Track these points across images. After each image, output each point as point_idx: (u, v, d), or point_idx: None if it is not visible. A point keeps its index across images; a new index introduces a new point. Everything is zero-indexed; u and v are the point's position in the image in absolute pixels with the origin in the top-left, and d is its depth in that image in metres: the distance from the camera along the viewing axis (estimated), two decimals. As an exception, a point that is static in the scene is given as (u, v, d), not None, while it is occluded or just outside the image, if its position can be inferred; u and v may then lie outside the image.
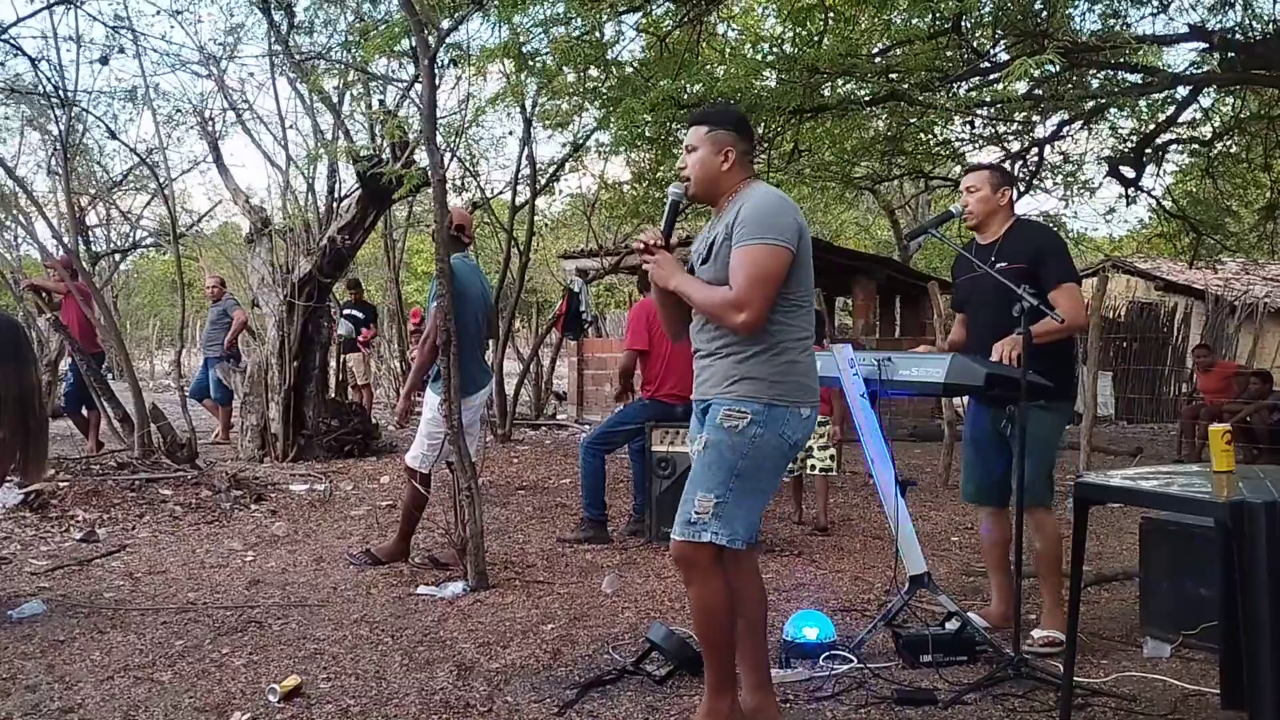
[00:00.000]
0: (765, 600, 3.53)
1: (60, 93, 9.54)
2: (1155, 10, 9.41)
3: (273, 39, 9.97)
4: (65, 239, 10.28)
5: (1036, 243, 4.43)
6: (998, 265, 4.39)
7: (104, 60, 9.98)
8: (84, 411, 10.43)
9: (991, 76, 9.61)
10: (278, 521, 7.17)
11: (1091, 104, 9.92)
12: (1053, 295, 4.29)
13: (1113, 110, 10.47)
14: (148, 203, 16.52)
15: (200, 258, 20.45)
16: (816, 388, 3.34)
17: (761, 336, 3.20)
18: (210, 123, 10.77)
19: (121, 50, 10.01)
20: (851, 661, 4.10)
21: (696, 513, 3.20)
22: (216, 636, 4.54)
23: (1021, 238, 4.47)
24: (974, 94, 10.05)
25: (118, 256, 17.05)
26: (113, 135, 11.90)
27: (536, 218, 13.29)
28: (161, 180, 11.48)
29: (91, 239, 14.24)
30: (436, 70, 5.99)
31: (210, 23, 29.73)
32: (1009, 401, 4.21)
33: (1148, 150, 11.63)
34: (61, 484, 7.49)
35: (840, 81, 9.56)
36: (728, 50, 10.73)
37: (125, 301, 27.69)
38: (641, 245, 3.46)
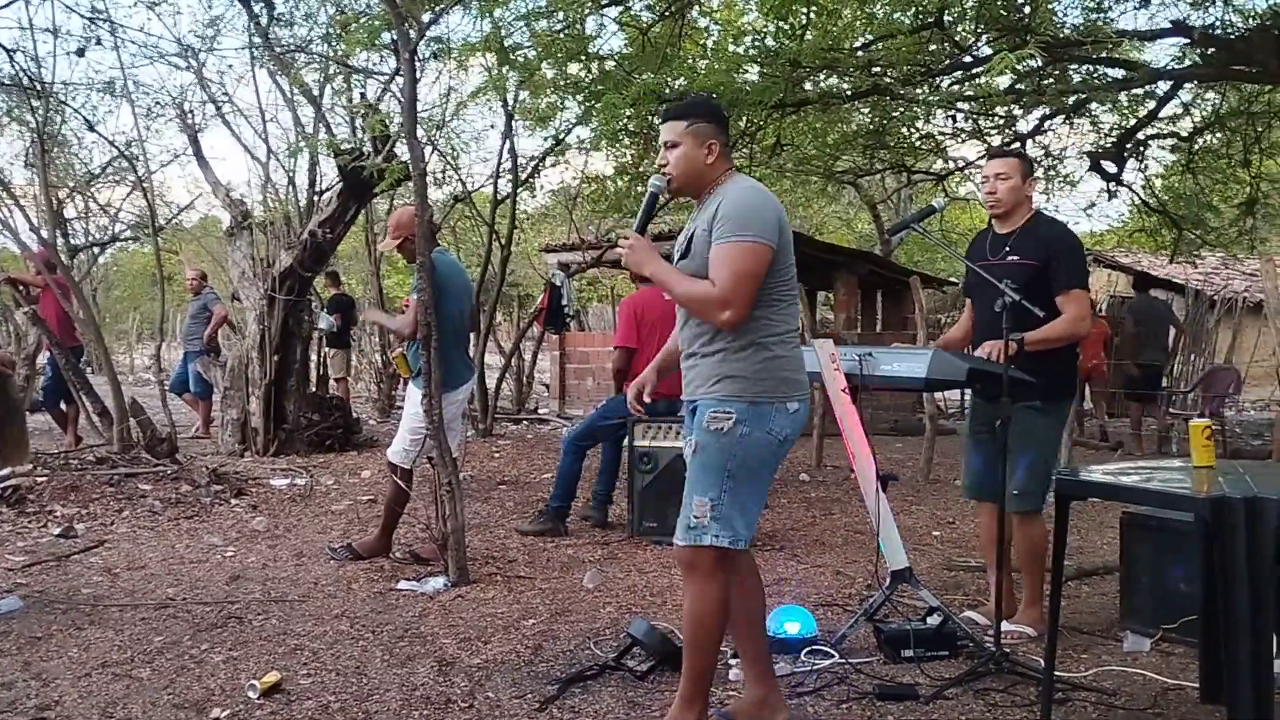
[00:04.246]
0: (763, 595, 3.54)
1: (37, 84, 9.45)
2: (1137, 5, 9.44)
3: (252, 31, 9.90)
4: (43, 232, 10.20)
5: (1052, 242, 4.37)
6: (1010, 257, 4.38)
7: (81, 52, 9.87)
8: (62, 406, 10.36)
9: (974, 71, 9.63)
10: (258, 516, 7.14)
11: (1073, 98, 9.94)
12: (1060, 300, 4.27)
13: (1094, 105, 10.50)
14: (127, 195, 16.42)
15: (180, 251, 20.34)
16: (804, 380, 3.33)
17: (743, 333, 3.20)
18: (190, 115, 10.69)
19: (99, 42, 9.91)
20: (833, 656, 4.10)
21: (695, 517, 3.20)
22: (196, 632, 4.52)
23: (1039, 234, 4.41)
24: (956, 88, 10.06)
25: (96, 249, 16.91)
26: (91, 127, 11.79)
27: (518, 210, 13.24)
28: (141, 173, 11.40)
29: (70, 232, 14.12)
30: (417, 64, 5.95)
31: (189, 14, 29.56)
32: (999, 398, 4.19)
33: (1129, 145, 11.67)
34: (39, 479, 7.44)
35: (822, 75, 9.56)
36: (709, 44, 10.72)
37: (105, 295, 27.51)
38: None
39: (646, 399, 3.74)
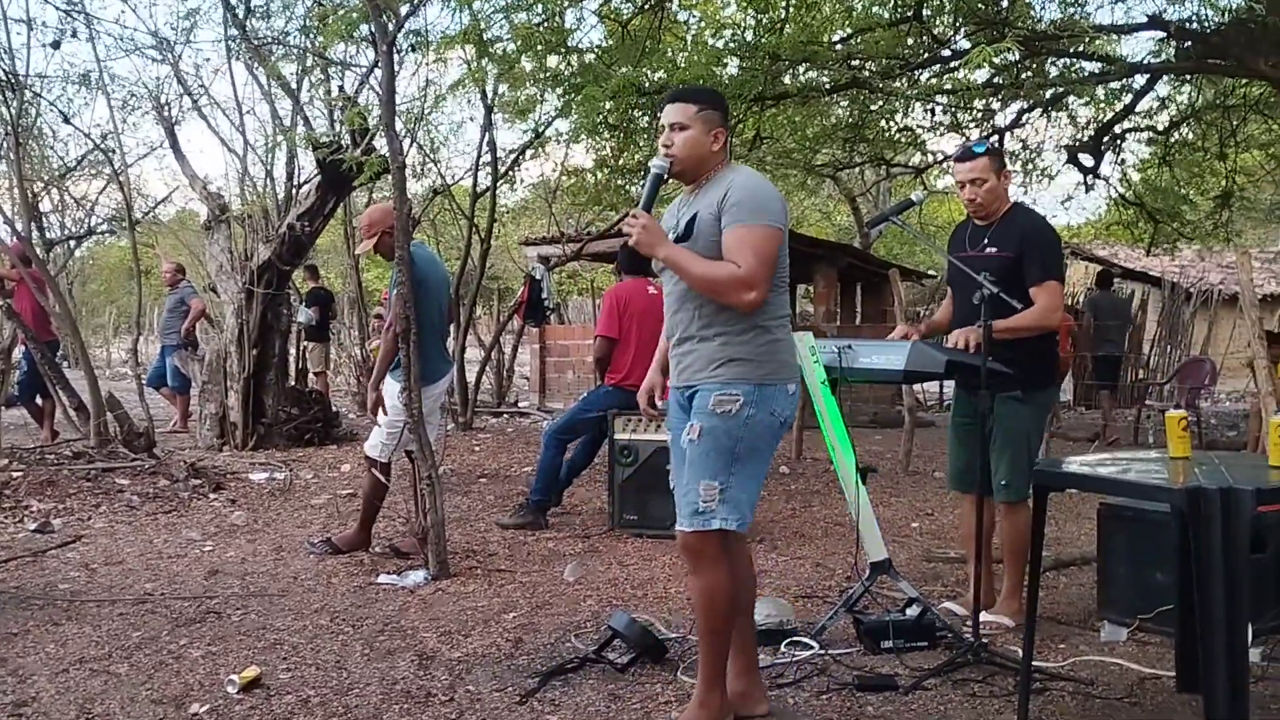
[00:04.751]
0: (755, 586, 3.56)
1: (11, 76, 9.37)
2: (1114, -1, 9.52)
3: (229, 23, 9.84)
4: (18, 225, 10.12)
5: (1030, 234, 4.38)
6: (988, 250, 4.40)
7: (56, 44, 9.81)
8: (38, 400, 10.29)
9: (952, 64, 9.66)
10: (237, 511, 7.10)
11: (1050, 92, 9.99)
12: (1033, 291, 4.28)
13: (1071, 98, 10.55)
14: (103, 188, 16.26)
15: (157, 244, 20.19)
16: (797, 364, 3.39)
17: (744, 317, 3.23)
18: (166, 108, 10.62)
19: (74, 34, 9.84)
20: (813, 648, 4.11)
21: (703, 501, 3.20)
22: (174, 627, 4.49)
23: (1017, 226, 4.42)
24: (935, 81, 10.10)
25: (72, 243, 16.78)
26: (66, 120, 11.70)
27: (498, 203, 13.22)
28: (117, 166, 11.32)
29: (45, 225, 13.99)
30: (396, 56, 5.93)
31: (165, 6, 29.30)
32: (980, 388, 4.19)
33: (1106, 138, 11.73)
34: (15, 474, 7.39)
35: (802, 69, 9.57)
36: (689, 37, 10.71)
37: (81, 289, 27.30)
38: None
39: (659, 402, 3.74)
